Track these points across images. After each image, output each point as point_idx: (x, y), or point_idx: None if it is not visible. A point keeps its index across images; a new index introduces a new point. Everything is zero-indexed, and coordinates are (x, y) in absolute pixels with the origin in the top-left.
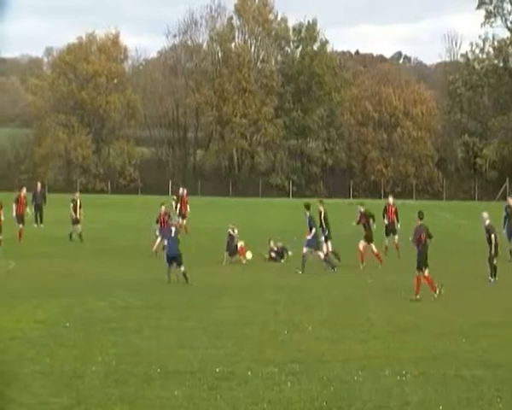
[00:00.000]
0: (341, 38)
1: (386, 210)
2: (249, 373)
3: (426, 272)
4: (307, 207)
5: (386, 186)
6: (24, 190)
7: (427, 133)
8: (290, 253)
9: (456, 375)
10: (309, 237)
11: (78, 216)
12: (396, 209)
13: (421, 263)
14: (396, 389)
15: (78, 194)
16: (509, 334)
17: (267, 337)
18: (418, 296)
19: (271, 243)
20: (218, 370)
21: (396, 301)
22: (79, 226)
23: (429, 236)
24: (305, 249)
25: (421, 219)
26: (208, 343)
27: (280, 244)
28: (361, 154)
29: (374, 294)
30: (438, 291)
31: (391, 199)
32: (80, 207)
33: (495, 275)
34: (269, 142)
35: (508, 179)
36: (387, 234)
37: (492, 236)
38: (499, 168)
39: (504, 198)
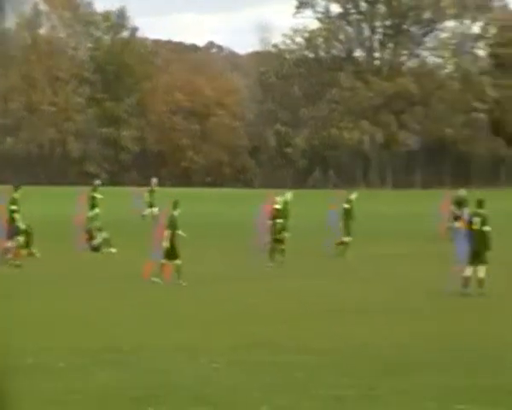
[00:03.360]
0: (155, 27)
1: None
2: (61, 364)
3: (165, 261)
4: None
5: (198, 174)
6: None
7: (240, 122)
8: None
9: (271, 361)
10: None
11: None
12: None
13: (166, 253)
14: (212, 376)
15: None
16: (323, 321)
17: (80, 327)
18: (183, 282)
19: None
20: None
21: (207, 291)
22: None
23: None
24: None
25: (175, 209)
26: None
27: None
28: (173, 142)
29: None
30: (158, 279)
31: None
32: None
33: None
34: (80, 130)
35: (318, 168)
36: None
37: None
38: (309, 157)
39: (314, 187)
